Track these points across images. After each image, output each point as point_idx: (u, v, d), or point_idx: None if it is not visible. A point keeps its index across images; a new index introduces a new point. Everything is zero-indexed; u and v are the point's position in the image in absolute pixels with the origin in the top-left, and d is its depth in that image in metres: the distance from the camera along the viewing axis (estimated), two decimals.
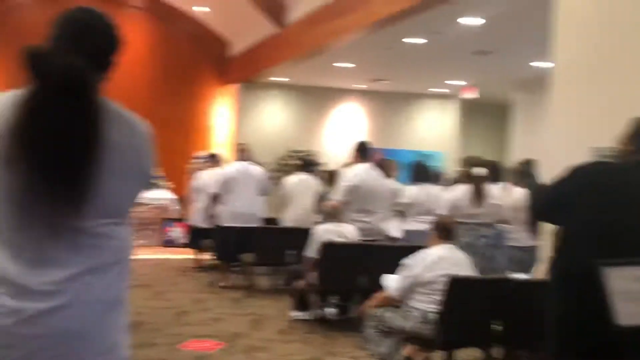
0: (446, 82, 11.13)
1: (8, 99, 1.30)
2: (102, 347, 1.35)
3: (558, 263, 2.37)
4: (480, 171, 5.00)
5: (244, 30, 11.21)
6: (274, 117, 12.23)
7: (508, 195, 5.30)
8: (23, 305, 1.25)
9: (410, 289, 3.74)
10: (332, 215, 5.29)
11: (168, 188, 10.53)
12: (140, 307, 5.63)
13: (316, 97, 12.29)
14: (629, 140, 2.38)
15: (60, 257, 1.30)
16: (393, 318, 3.79)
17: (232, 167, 6.90)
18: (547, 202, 2.49)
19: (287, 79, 11.60)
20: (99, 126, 1.29)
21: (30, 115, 1.24)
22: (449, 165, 12.05)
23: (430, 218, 5.69)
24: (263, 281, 7.12)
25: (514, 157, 9.79)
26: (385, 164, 6.84)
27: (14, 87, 1.36)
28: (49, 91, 1.24)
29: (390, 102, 12.50)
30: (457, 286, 3.48)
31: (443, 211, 5.02)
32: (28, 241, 1.28)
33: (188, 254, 8.98)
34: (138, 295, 6.10)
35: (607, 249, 2.15)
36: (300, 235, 6.35)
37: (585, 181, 2.32)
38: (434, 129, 12.72)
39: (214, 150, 11.54)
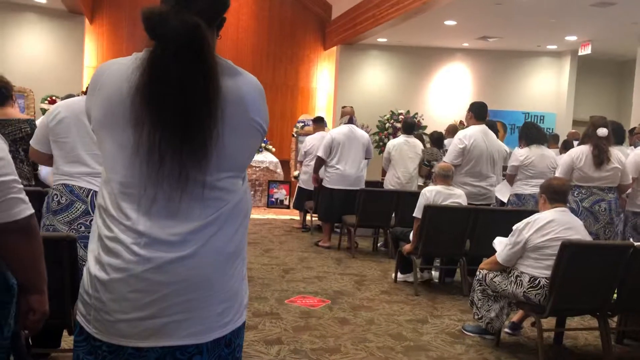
0: (563, 38, 10.41)
1: (129, 62, 1.38)
2: (224, 294, 1.43)
3: None
4: (603, 131, 4.67)
5: None
6: (374, 79, 12.08)
7: (635, 157, 4.93)
8: (153, 255, 1.35)
9: (519, 254, 3.63)
10: (442, 177, 5.19)
11: (272, 151, 10.84)
12: (251, 263, 5.91)
13: (419, 58, 11.98)
14: None
15: (186, 210, 1.38)
16: (501, 283, 3.71)
17: (338, 130, 6.95)
18: None
19: (387, 40, 11.38)
20: (217, 80, 1.34)
21: (153, 74, 1.31)
22: (561, 126, 11.39)
23: (542, 181, 5.46)
24: (364, 243, 7.20)
25: (634, 118, 9.07)
26: (494, 125, 6.61)
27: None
28: (168, 49, 1.30)
29: (498, 61, 11.92)
30: (569, 251, 3.33)
31: (560, 173, 4.77)
32: (157, 196, 1.36)
33: (292, 215, 9.28)
34: (249, 252, 6.38)
35: None
36: (403, 197, 6.35)
37: None
38: (545, 89, 11.99)
39: (315, 113, 11.70)
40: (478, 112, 5.64)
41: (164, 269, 1.36)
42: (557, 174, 4.82)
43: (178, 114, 1.32)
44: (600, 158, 4.63)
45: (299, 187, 8.21)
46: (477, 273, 3.92)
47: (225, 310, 1.44)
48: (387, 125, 11.71)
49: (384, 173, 7.60)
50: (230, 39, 11.85)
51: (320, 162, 6.92)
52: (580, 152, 4.75)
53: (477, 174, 5.51)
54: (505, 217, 4.80)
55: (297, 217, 8.69)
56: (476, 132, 5.53)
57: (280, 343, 3.71)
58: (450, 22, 9.60)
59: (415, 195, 5.32)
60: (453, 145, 5.58)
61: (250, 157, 1.54)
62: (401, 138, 7.26)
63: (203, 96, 1.33)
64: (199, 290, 1.40)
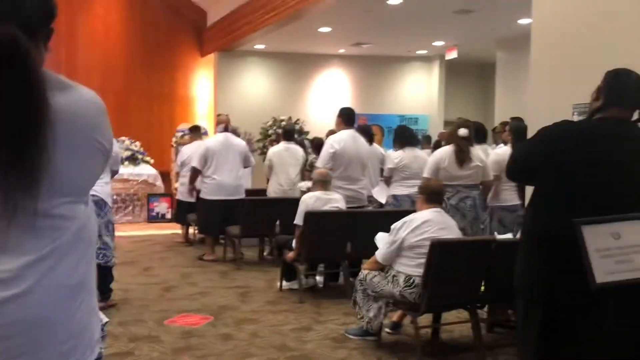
0: (431, 43, 10.99)
1: None
2: (69, 332, 1.30)
3: (529, 223, 2.37)
4: (463, 132, 4.96)
5: None
6: (255, 86, 12.04)
7: (495, 156, 5.28)
8: None
9: (396, 253, 3.74)
10: (321, 182, 5.24)
11: (150, 163, 10.43)
12: (128, 284, 5.61)
13: (297, 64, 12.11)
14: (598, 94, 2.35)
15: (17, 243, 1.24)
16: (380, 282, 3.79)
17: (212, 139, 6.82)
18: (518, 164, 2.47)
19: (265, 47, 11.40)
20: (44, 97, 1.21)
21: None
22: (434, 127, 12.01)
23: (417, 182, 5.71)
24: (250, 253, 7.12)
25: (497, 117, 9.76)
26: (369, 130, 6.81)
27: None
28: None
29: (373, 66, 12.34)
30: (438, 249, 3.47)
31: (427, 174, 5.00)
32: None
33: (174, 229, 8.96)
34: (125, 272, 6.08)
35: (578, 208, 2.14)
36: (286, 205, 6.34)
37: (553, 142, 2.30)
38: (417, 92, 12.61)
39: (195, 122, 11.43)
40: (346, 118, 5.77)
41: None
42: (424, 174, 5.04)
43: None
44: (461, 157, 4.91)
45: (177, 199, 7.95)
46: (360, 273, 3.99)
47: (71, 349, 1.31)
48: (270, 132, 11.71)
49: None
50: (99, 46, 11.25)
51: (195, 173, 6.74)
52: (444, 152, 5.01)
53: (348, 177, 5.61)
54: (383, 218, 4.92)
55: (180, 231, 8.42)
56: (345, 137, 5.64)
57: None
58: (324, 29, 9.78)
59: (298, 202, 5.32)
60: (324, 150, 5.68)
61: (92, 179, 1.41)
62: (282, 145, 7.27)
63: (27, 116, 1.19)
64: (38, 330, 1.25)
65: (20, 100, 1.19)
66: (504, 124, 6.11)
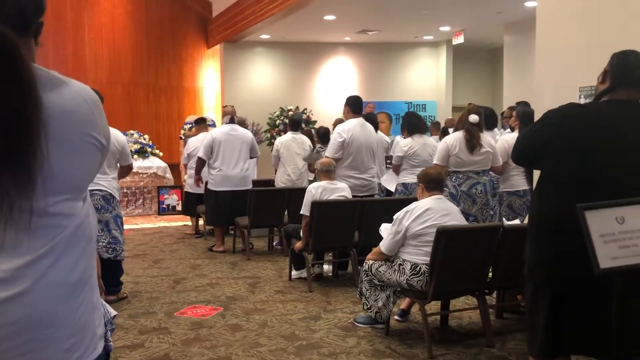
0: (437, 28, 10.89)
1: None
2: (71, 330, 1.30)
3: (534, 207, 2.35)
4: (473, 118, 4.91)
5: None
6: (261, 76, 12.02)
7: (502, 142, 5.23)
8: None
9: (401, 242, 3.73)
10: (325, 172, 5.24)
11: (159, 155, 10.47)
12: (138, 276, 5.66)
13: (303, 53, 12.06)
14: (605, 77, 2.32)
15: (15, 242, 1.24)
16: (386, 272, 3.79)
17: (218, 130, 6.81)
18: (523, 149, 2.44)
19: (270, 36, 11.36)
20: (35, 95, 1.20)
21: None
22: (442, 113, 11.93)
23: None
24: (260, 243, 7.14)
25: (506, 102, 9.68)
26: (374, 118, 6.77)
27: None
28: None
29: (379, 53, 12.27)
30: (444, 236, 3.46)
31: (437, 160, 4.96)
32: None
33: (185, 221, 9.02)
34: (136, 265, 6.14)
35: (584, 192, 2.12)
36: (294, 195, 6.36)
37: (557, 126, 2.27)
38: (425, 78, 12.52)
39: (203, 114, 11.45)
40: (354, 106, 5.74)
41: None
42: (434, 161, 5.00)
43: None
44: (472, 143, 4.86)
45: (185, 191, 7.98)
46: (364, 264, 3.99)
47: (73, 346, 1.31)
48: (278, 122, 11.70)
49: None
50: (106, 40, 11.28)
51: (201, 163, 6.76)
52: (454, 138, 4.96)
53: (358, 166, 5.61)
54: (390, 206, 4.90)
55: (190, 223, 8.46)
56: (354, 126, 5.62)
57: (168, 359, 3.56)
58: (329, 17, 9.72)
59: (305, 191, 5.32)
60: (332, 139, 5.65)
61: (89, 176, 1.41)
62: (288, 135, 7.26)
63: (20, 114, 1.19)
64: (39, 329, 1.26)
65: (12, 99, 1.18)
66: (511, 108, 6.05)
